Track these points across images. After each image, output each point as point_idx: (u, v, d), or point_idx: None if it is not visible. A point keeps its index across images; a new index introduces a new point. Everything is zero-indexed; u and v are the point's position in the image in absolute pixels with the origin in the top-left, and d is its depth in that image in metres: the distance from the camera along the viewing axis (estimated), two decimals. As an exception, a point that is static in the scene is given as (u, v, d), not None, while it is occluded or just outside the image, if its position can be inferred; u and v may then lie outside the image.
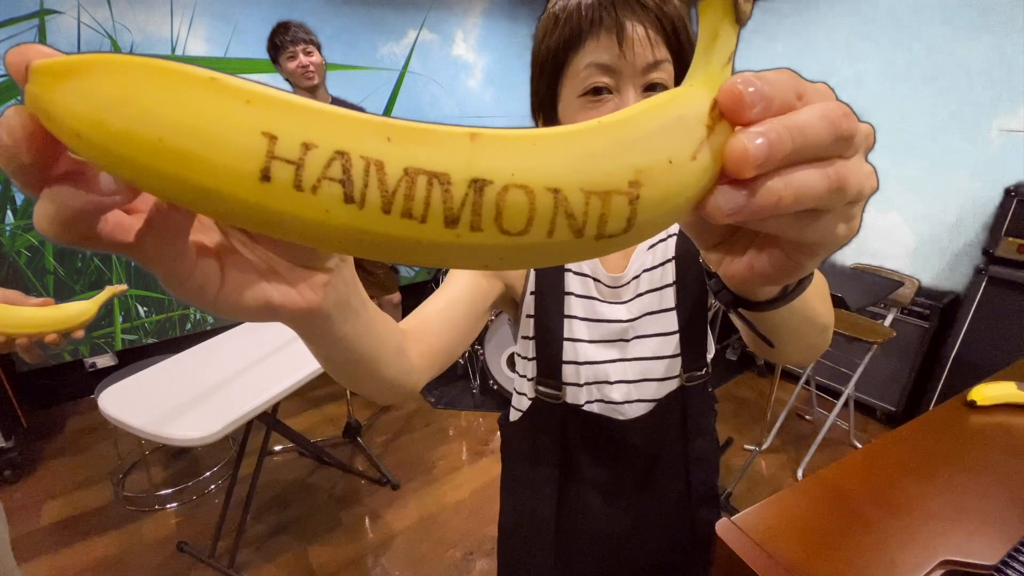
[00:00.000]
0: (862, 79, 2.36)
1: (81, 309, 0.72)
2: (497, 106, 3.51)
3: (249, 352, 1.60)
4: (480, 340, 2.46)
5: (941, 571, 0.59)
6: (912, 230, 2.32)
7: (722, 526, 0.64)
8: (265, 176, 0.16)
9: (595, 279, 0.61)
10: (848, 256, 2.46)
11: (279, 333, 1.71)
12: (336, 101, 1.98)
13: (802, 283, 0.31)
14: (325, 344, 0.31)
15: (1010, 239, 1.88)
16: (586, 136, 0.18)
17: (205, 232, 0.22)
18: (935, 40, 2.12)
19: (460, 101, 3.37)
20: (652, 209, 0.18)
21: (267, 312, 0.23)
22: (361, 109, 2.03)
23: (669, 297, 0.60)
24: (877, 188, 0.20)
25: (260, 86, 0.17)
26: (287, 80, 1.84)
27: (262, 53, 2.08)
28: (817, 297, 0.38)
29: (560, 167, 0.17)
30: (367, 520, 1.83)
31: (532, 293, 0.61)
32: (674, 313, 0.60)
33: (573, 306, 0.61)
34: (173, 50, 2.41)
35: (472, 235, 0.17)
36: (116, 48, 2.29)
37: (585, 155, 0.18)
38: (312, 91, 1.84)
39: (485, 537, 1.73)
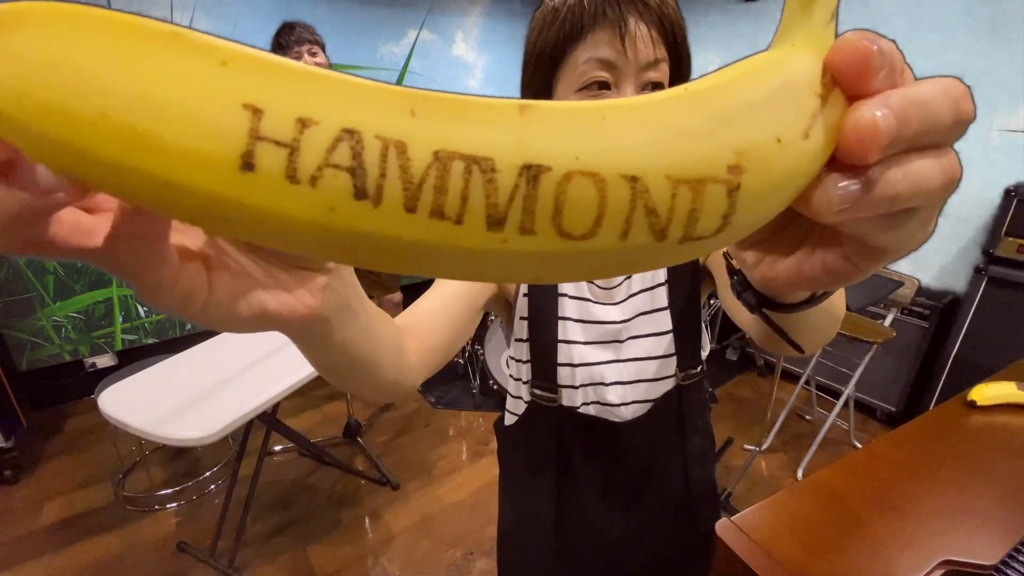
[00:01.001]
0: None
1: None
2: (497, 106, 3.51)
3: (249, 352, 1.60)
4: (480, 340, 2.46)
5: (941, 571, 0.59)
6: (912, 230, 2.32)
7: (722, 526, 0.64)
8: (247, 164, 0.12)
9: (587, 280, 0.61)
10: (848, 256, 2.46)
11: (279, 333, 1.71)
12: None
13: None
14: (322, 350, 0.29)
15: (1010, 239, 1.88)
16: (671, 107, 0.14)
17: (186, 231, 0.19)
18: (934, 41, 2.12)
19: (460, 101, 3.37)
20: (754, 203, 0.14)
21: (263, 321, 0.21)
22: None
23: (661, 296, 0.60)
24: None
25: (240, 45, 0.13)
26: None
27: (262, 53, 2.05)
28: (836, 292, 0.36)
29: (640, 148, 0.13)
30: (367, 520, 1.82)
31: (525, 295, 0.61)
32: (667, 312, 0.60)
33: (567, 307, 0.61)
34: (173, 50, 2.41)
35: (522, 240, 0.13)
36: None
37: (672, 132, 0.14)
38: None
39: (485, 537, 1.73)
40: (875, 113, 0.14)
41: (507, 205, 0.13)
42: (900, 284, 1.94)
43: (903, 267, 2.29)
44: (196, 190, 0.12)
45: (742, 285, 0.32)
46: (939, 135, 0.15)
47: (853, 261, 0.18)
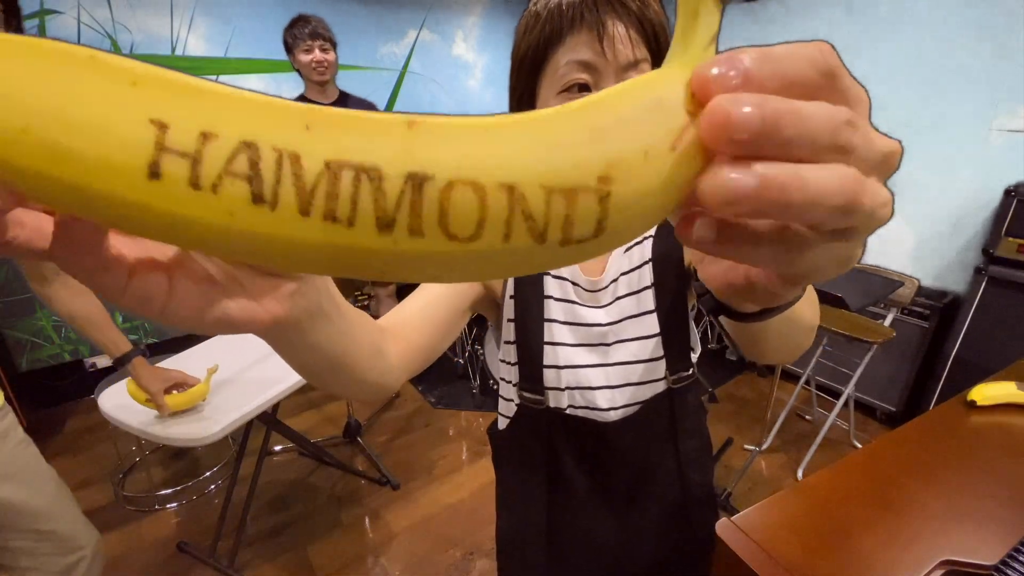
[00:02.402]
0: (862, 80, 2.35)
1: (203, 390, 1.14)
2: (497, 106, 3.51)
3: (249, 352, 1.60)
4: (480, 340, 2.46)
5: (941, 571, 0.59)
6: (912, 230, 2.32)
7: (722, 526, 0.64)
8: (154, 172, 0.14)
9: (573, 283, 0.61)
10: (848, 256, 2.47)
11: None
12: (343, 95, 2.01)
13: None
14: (294, 351, 0.29)
15: (1010, 239, 1.88)
16: (548, 123, 0.16)
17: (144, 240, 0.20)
18: (935, 40, 2.12)
19: (460, 101, 3.37)
20: (626, 209, 0.16)
21: (225, 327, 0.22)
22: (371, 105, 1.98)
23: (648, 300, 0.59)
24: (890, 218, 0.17)
25: (152, 66, 0.14)
26: (298, 71, 1.91)
27: (262, 53, 2.06)
28: (804, 301, 0.36)
29: (515, 159, 0.15)
30: (367, 520, 1.82)
31: (511, 297, 0.60)
32: (654, 316, 0.59)
33: (553, 310, 0.60)
34: (173, 50, 2.41)
35: (412, 241, 0.15)
36: (116, 48, 2.29)
37: (545, 145, 0.15)
38: (322, 85, 1.92)
39: (485, 537, 1.73)
40: (730, 104, 0.14)
41: (395, 209, 0.14)
42: (900, 284, 1.94)
43: (903, 267, 2.29)
44: (110, 196, 0.14)
45: (701, 288, 0.33)
46: (818, 150, 0.15)
47: (771, 279, 0.19)
